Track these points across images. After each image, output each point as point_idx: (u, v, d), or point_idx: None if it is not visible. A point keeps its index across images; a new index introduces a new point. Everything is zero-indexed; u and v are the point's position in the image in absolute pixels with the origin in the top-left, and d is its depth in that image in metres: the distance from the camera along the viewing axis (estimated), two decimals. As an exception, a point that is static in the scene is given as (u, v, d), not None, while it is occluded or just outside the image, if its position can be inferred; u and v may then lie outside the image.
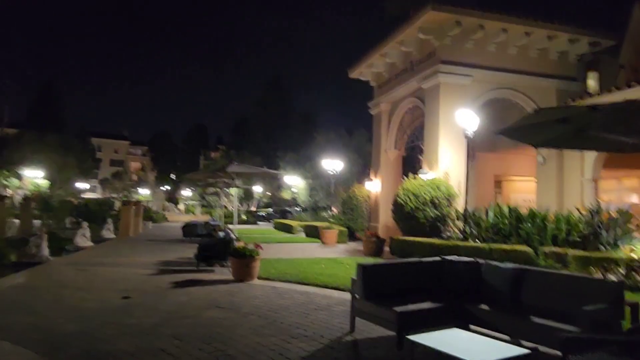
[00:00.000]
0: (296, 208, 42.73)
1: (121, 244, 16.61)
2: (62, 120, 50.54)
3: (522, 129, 4.82)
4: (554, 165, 14.32)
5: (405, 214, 13.09)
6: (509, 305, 4.94)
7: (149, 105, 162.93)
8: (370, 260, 12.26)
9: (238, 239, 11.35)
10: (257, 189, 47.72)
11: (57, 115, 51.95)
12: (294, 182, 36.47)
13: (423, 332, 3.85)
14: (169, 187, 67.36)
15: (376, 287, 5.35)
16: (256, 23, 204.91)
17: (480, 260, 5.79)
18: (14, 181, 36.69)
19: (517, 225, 10.66)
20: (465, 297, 5.21)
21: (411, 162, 22.15)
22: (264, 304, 6.97)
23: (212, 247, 10.57)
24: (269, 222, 40.71)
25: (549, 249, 9.48)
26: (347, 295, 7.51)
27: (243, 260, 8.89)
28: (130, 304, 6.85)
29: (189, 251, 13.55)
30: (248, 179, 37.79)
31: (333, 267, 10.86)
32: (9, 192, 36.70)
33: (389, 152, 18.69)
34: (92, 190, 56.03)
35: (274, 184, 45.82)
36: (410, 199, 13.02)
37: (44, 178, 37.38)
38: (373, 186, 19.36)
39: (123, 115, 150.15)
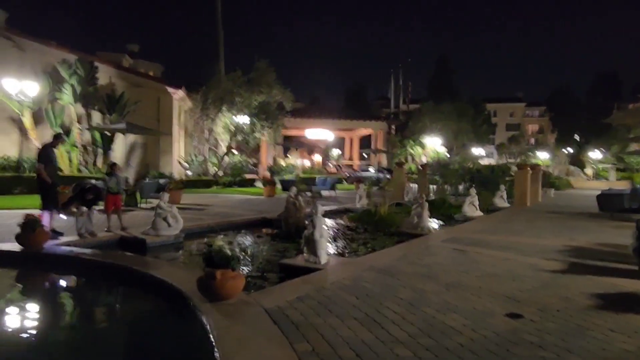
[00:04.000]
0: None
1: (514, 216, 13.73)
2: (456, 90, 52.01)
3: None
4: None
5: None
6: None
7: (543, 62, 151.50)
8: None
9: None
10: None
11: (452, 85, 53.99)
12: None
13: None
14: (572, 150, 59.46)
15: None
16: None
17: None
18: (418, 149, 40.16)
19: None
20: None
21: None
22: None
23: (664, 234, 6.13)
24: None
25: None
26: None
27: None
28: (515, 334, 3.87)
29: (612, 234, 9.29)
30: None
31: None
32: (416, 159, 40.42)
33: None
34: (488, 156, 55.68)
35: None
36: None
37: (442, 145, 39.07)
38: None
39: (516, 78, 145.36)
